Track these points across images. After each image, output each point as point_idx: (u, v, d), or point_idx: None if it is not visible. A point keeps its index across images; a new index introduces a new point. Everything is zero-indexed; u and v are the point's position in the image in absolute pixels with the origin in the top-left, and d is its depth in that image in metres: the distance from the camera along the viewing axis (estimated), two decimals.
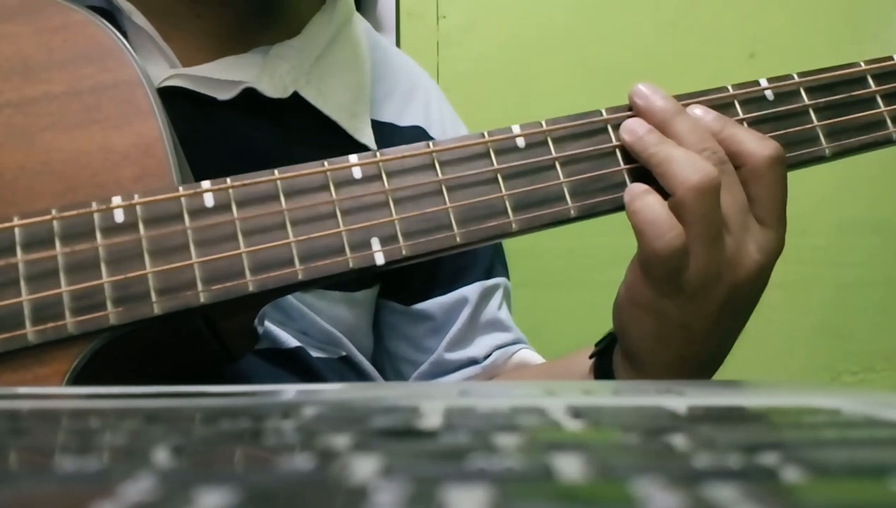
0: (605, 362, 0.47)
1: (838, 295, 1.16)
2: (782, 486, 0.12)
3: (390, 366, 0.61)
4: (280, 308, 0.53)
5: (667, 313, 0.41)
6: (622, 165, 0.42)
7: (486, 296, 0.60)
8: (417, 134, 0.61)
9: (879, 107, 0.46)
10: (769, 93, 0.45)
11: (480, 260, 0.61)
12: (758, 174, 0.41)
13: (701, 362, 0.44)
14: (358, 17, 0.62)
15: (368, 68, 0.60)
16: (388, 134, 0.58)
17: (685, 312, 0.41)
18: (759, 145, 0.42)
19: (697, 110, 0.43)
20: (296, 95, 0.54)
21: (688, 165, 0.40)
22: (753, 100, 0.45)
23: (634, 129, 0.42)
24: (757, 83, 0.45)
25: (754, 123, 0.44)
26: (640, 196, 0.40)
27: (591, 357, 0.48)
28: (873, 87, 0.46)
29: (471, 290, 0.60)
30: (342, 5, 0.59)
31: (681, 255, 0.40)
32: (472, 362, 0.59)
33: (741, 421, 0.20)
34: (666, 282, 0.41)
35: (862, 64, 0.47)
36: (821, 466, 0.13)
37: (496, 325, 0.60)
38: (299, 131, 0.55)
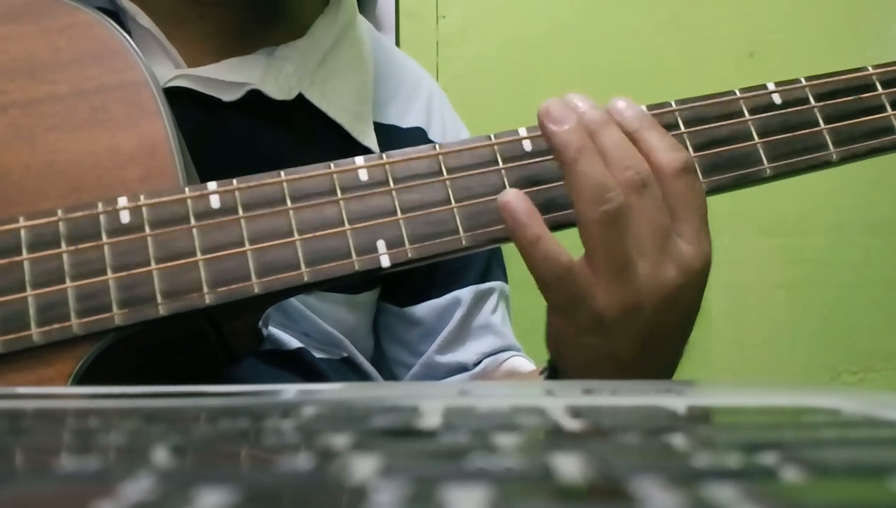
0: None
1: (838, 294, 1.16)
2: (782, 486, 0.12)
3: (386, 369, 0.61)
4: (281, 310, 0.53)
5: (591, 346, 0.40)
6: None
7: (479, 300, 0.60)
8: (418, 135, 0.61)
9: (887, 112, 0.46)
10: (776, 98, 0.45)
11: (475, 263, 0.61)
12: (666, 184, 0.40)
13: None
14: (361, 18, 0.62)
15: (372, 70, 0.60)
16: (391, 136, 0.58)
17: (609, 344, 0.40)
18: (665, 155, 0.40)
19: (620, 103, 0.41)
20: (300, 97, 0.54)
21: (594, 195, 0.38)
22: (760, 105, 0.45)
23: (564, 119, 0.40)
24: (764, 87, 0.45)
25: (761, 128, 0.44)
26: (525, 227, 0.39)
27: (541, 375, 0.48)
28: (881, 92, 0.46)
29: (464, 293, 0.60)
30: (346, 7, 0.59)
31: (568, 278, 0.38)
32: (462, 368, 0.59)
33: (741, 421, 0.20)
34: (576, 315, 0.40)
35: (870, 69, 0.47)
36: (820, 466, 0.13)
37: (488, 330, 0.60)
38: (303, 133, 0.55)
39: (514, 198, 0.39)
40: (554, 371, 0.46)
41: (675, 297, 0.40)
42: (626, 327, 0.39)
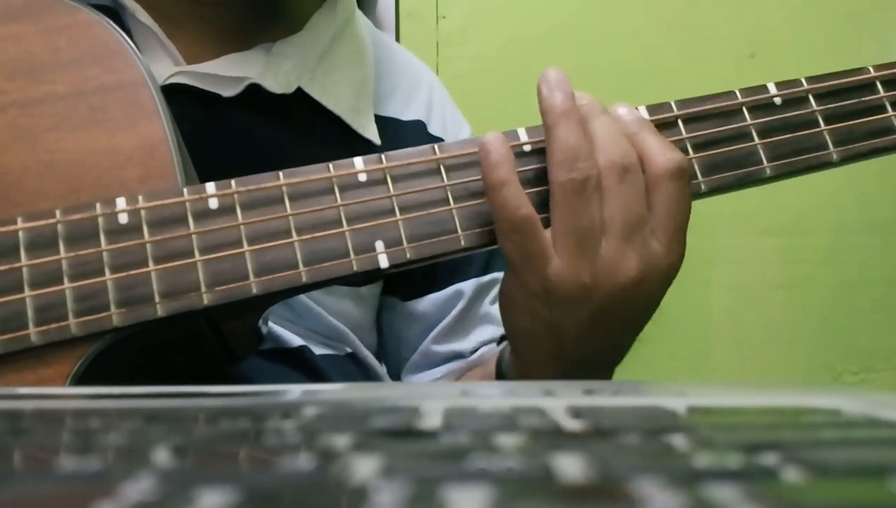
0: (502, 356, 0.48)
1: (838, 294, 1.16)
2: (782, 486, 0.12)
3: (387, 365, 0.62)
4: (287, 305, 0.53)
5: (537, 313, 0.41)
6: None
7: (480, 293, 0.61)
8: (418, 128, 0.61)
9: (888, 113, 0.46)
10: (777, 98, 0.45)
11: (477, 257, 0.61)
12: (655, 182, 0.40)
13: (576, 363, 0.43)
14: (360, 14, 0.62)
15: (371, 64, 0.60)
16: (391, 129, 0.59)
17: (555, 314, 0.40)
18: (661, 155, 0.40)
19: (621, 109, 0.42)
20: (300, 91, 0.54)
21: (564, 160, 0.39)
22: (761, 106, 0.45)
23: (558, 87, 0.41)
24: (765, 88, 0.45)
25: (761, 128, 0.44)
26: (494, 169, 0.39)
27: (498, 344, 0.49)
28: (882, 94, 0.46)
29: (466, 286, 0.60)
30: (343, 3, 0.59)
31: (525, 232, 0.39)
32: (459, 356, 0.59)
33: (741, 421, 0.20)
34: (527, 276, 0.40)
35: (871, 70, 0.47)
36: (821, 466, 0.13)
37: (487, 320, 0.60)
38: (304, 127, 0.55)
39: (493, 140, 0.40)
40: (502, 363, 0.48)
41: (632, 289, 0.40)
42: (574, 302, 0.40)
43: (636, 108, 0.43)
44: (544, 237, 0.39)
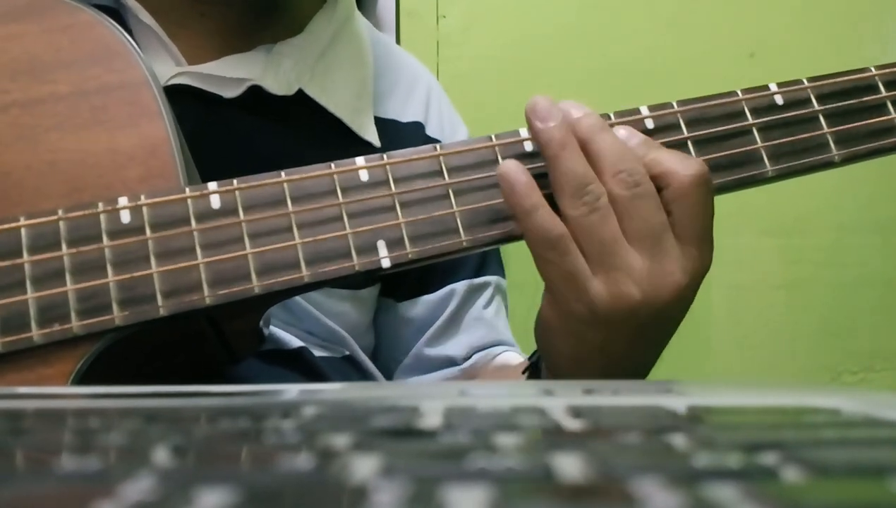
0: (536, 377, 0.47)
1: (838, 295, 1.16)
2: (782, 486, 0.12)
3: (384, 367, 0.62)
4: (285, 307, 0.53)
5: (584, 337, 0.41)
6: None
7: (472, 294, 0.61)
8: (416, 130, 0.61)
9: (890, 114, 0.46)
10: (779, 98, 0.45)
11: (471, 258, 0.61)
12: (680, 193, 0.40)
13: (623, 376, 0.43)
14: (359, 14, 0.62)
15: (371, 65, 0.60)
16: (391, 130, 0.59)
17: (602, 335, 0.40)
18: (682, 165, 0.40)
19: (622, 131, 0.41)
20: (300, 93, 0.55)
21: (574, 189, 0.39)
22: (763, 106, 0.45)
23: (549, 116, 0.40)
24: (766, 88, 0.45)
25: (763, 129, 0.44)
26: (523, 197, 0.39)
27: (523, 372, 0.48)
28: (884, 94, 0.46)
29: (459, 287, 0.60)
30: (343, 3, 0.59)
31: (561, 248, 0.39)
32: (451, 362, 0.59)
33: (741, 421, 0.20)
34: (570, 297, 0.40)
35: (873, 70, 0.46)
36: (821, 466, 0.13)
37: (480, 323, 0.60)
38: (304, 129, 0.55)
39: (513, 169, 0.40)
40: (535, 367, 0.47)
41: (678, 296, 0.40)
42: (622, 320, 0.40)
43: (638, 112, 0.43)
44: (580, 253, 0.39)
